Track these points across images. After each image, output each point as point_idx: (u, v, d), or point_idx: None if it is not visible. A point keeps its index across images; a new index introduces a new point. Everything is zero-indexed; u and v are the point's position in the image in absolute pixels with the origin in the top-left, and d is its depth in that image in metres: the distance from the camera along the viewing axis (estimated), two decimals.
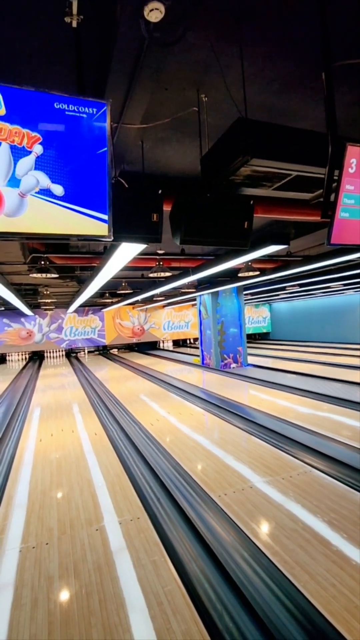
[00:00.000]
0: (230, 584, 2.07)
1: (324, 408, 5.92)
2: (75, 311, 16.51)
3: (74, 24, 1.62)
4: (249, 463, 3.75)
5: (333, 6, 1.87)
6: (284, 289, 11.67)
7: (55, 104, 1.47)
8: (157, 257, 5.85)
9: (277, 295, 14.79)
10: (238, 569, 2.18)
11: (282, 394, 7.14)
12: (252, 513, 2.79)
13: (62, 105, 1.47)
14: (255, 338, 20.82)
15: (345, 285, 11.61)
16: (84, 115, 1.53)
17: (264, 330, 21.15)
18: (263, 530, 2.59)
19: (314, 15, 1.86)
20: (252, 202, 2.79)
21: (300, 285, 11.17)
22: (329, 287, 11.95)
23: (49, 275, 5.36)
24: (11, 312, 15.02)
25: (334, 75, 2.04)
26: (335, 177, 2.00)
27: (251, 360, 11.91)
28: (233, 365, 10.96)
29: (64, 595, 2.05)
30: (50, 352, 16.90)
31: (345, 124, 2.98)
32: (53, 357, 16.92)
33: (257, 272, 6.76)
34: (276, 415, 5.52)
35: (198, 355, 12.39)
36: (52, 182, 1.50)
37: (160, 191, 2.57)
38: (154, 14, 1.53)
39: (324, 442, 4.26)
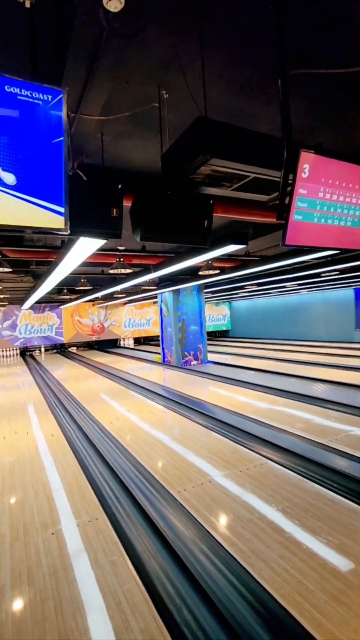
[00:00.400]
0: (188, 577, 2.10)
1: (280, 402, 6.19)
2: (31, 308, 15.81)
3: (27, 4, 1.54)
4: (208, 458, 3.82)
5: (288, 17, 1.94)
6: (242, 287, 12.01)
7: (6, 87, 1.38)
8: (118, 253, 5.76)
9: (237, 293, 15.18)
10: (197, 562, 2.22)
11: (241, 390, 7.35)
12: (210, 506, 2.85)
13: (14, 89, 1.39)
14: (216, 335, 21.24)
15: (300, 285, 12.19)
16: (39, 102, 1.46)
17: (224, 328, 21.63)
18: (221, 522, 2.66)
19: (271, 24, 1.92)
20: (212, 201, 2.83)
21: (259, 285, 11.55)
22: (284, 287, 12.47)
23: (1, 270, 5.07)
24: None
25: (290, 84, 2.12)
26: (290, 181, 2.08)
27: (211, 357, 12.13)
28: (194, 362, 11.09)
29: (17, 604, 1.96)
30: (3, 351, 16.04)
31: (301, 131, 3.12)
32: (6, 355, 16.07)
33: (217, 271, 6.89)
34: (235, 411, 5.68)
35: (159, 353, 12.39)
36: (3, 169, 1.41)
37: (120, 186, 2.53)
38: (114, 3, 1.50)
39: (279, 435, 4.45)
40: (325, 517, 2.63)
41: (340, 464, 3.54)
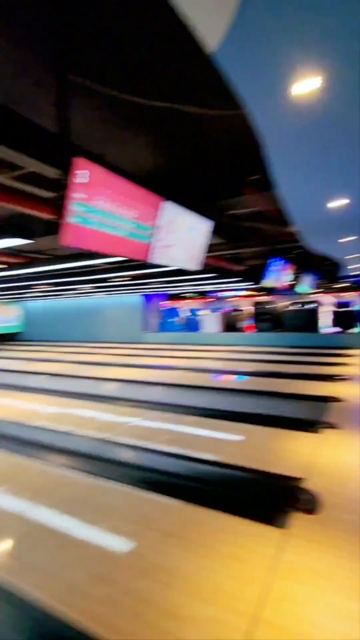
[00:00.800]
0: None
1: (72, 405, 6.14)
2: None
3: None
4: None
5: (67, 25, 1.98)
6: (31, 286, 11.27)
7: None
8: None
9: (28, 293, 14.10)
10: None
11: (29, 396, 6.83)
12: None
13: None
14: (5, 339, 18.96)
15: (95, 288, 12.58)
16: None
17: (15, 331, 19.62)
18: None
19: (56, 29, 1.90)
20: None
21: (55, 285, 11.13)
22: (78, 289, 12.58)
23: None
24: None
25: (76, 89, 2.15)
26: (67, 183, 2.12)
27: None
28: None
29: None
30: None
31: (93, 140, 3.15)
32: None
33: (5, 265, 6.18)
34: (19, 421, 5.22)
35: None
36: None
37: None
38: None
39: (66, 438, 4.41)
40: (103, 505, 2.80)
41: (119, 453, 3.87)
